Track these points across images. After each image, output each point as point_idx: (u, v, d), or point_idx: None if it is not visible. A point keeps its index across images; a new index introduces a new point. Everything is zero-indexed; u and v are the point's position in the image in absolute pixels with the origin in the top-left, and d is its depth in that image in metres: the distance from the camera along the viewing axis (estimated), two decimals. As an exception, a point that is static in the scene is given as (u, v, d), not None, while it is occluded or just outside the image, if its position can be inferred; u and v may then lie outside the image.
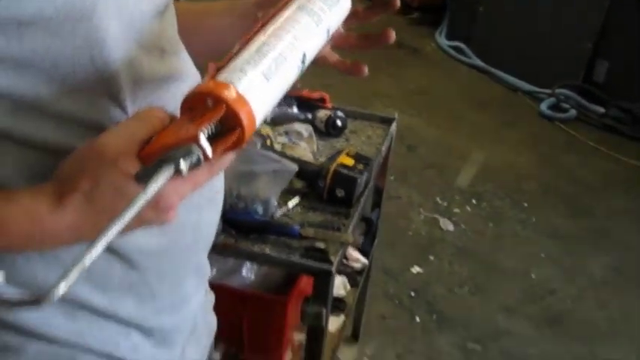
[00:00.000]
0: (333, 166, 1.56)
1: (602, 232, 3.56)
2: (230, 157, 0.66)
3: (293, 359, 1.72)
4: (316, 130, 1.89)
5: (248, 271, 1.70)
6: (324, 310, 1.35)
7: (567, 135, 4.54)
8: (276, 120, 1.88)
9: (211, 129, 0.61)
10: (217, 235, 1.39)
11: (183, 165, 0.59)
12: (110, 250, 0.73)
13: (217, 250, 1.38)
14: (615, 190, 3.98)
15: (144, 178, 0.59)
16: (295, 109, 1.98)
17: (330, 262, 1.33)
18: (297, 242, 1.40)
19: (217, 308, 1.24)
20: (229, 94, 0.61)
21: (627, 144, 4.47)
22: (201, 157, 0.60)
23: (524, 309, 2.95)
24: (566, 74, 4.80)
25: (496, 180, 3.92)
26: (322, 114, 1.92)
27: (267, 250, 1.38)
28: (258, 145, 1.62)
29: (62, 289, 0.55)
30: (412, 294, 2.95)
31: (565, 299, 3.05)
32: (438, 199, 3.67)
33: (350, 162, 1.59)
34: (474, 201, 3.69)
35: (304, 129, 1.84)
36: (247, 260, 1.58)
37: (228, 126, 0.62)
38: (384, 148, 1.86)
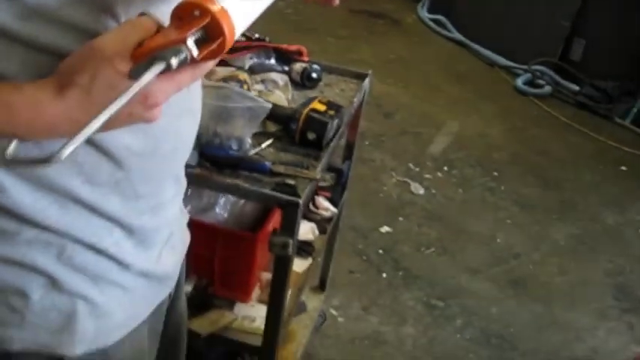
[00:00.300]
0: (305, 111, 1.64)
1: (568, 203, 3.68)
2: (210, 64, 0.74)
3: (261, 296, 1.80)
4: (292, 81, 1.96)
5: (221, 209, 1.77)
6: (291, 241, 1.43)
7: (541, 110, 4.64)
8: (253, 69, 1.95)
9: (197, 36, 0.69)
10: (193, 167, 1.47)
11: (173, 61, 0.67)
12: (100, 148, 0.81)
13: (193, 182, 1.46)
14: (583, 164, 4.10)
15: (136, 75, 0.67)
16: (273, 61, 2.04)
17: (298, 196, 1.41)
18: (268, 178, 1.47)
19: (191, 243, 1.32)
20: (214, 7, 0.70)
21: (599, 121, 4.59)
22: (188, 57, 0.68)
23: (488, 271, 3.06)
24: (543, 51, 4.89)
25: (468, 149, 4.02)
26: (298, 66, 1.99)
27: (240, 183, 1.45)
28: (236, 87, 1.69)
29: (69, 150, 0.63)
30: (380, 251, 3.04)
31: (528, 264, 3.16)
32: (410, 164, 3.76)
33: (322, 108, 1.67)
34: (445, 168, 3.79)
35: (280, 78, 1.90)
36: (220, 191, 1.65)
37: (212, 36, 0.70)
38: (355, 100, 1.93)
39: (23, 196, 0.80)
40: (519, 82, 4.85)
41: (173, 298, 1.15)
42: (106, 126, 0.66)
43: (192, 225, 1.29)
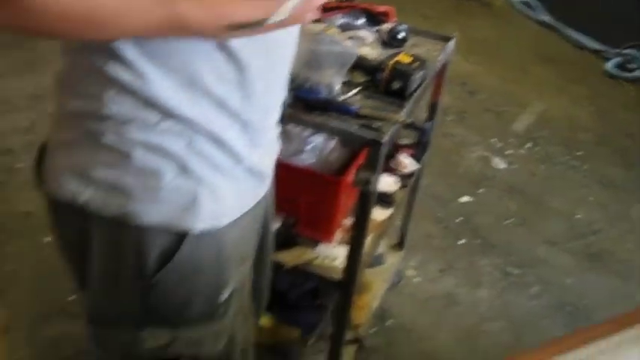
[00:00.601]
0: (391, 62, 1.73)
1: (651, 185, 3.65)
2: None
3: (342, 239, 1.91)
4: (380, 41, 2.06)
5: (308, 155, 1.88)
6: (373, 177, 1.53)
7: (629, 94, 4.59)
8: (343, 27, 2.05)
9: None
10: (286, 106, 1.59)
11: None
12: (230, 51, 0.97)
13: (285, 120, 1.58)
14: (671, 149, 4.04)
15: None
16: (361, 21, 2.14)
17: (383, 133, 1.51)
18: (354, 120, 1.58)
19: (279, 183, 1.44)
20: None
21: (690, 108, 4.51)
22: None
23: (566, 244, 3.08)
24: (636, 35, 4.81)
25: (553, 128, 4.02)
26: (386, 26, 2.08)
27: (328, 121, 1.57)
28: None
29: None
30: (459, 220, 3.11)
31: (607, 240, 3.17)
32: (492, 140, 3.80)
33: (407, 60, 1.76)
34: (528, 145, 3.81)
35: (369, 35, 2.01)
36: (311, 128, 1.76)
37: None
38: (440, 58, 2.02)
39: (166, 90, 0.95)
40: (610, 65, 4.80)
41: (267, 209, 1.30)
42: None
43: (281, 167, 1.42)
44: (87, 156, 1.01)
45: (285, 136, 1.91)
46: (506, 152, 3.71)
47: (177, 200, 1.02)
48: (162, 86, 0.95)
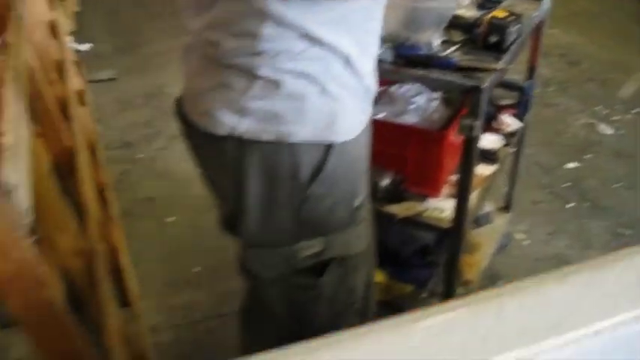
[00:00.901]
0: (487, 17, 1.80)
1: None
2: None
3: (449, 194, 1.97)
4: (475, 4, 2.12)
5: (411, 116, 1.97)
6: (475, 122, 1.60)
7: None
8: (439, -7, 2.12)
9: None
10: (390, 63, 1.68)
11: None
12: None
13: (389, 75, 1.68)
14: None
15: None
16: (457, -13, 2.21)
17: (483, 80, 1.58)
18: (455, 73, 1.65)
19: (387, 143, 1.54)
20: None
21: None
22: None
23: (679, 204, 3.03)
24: None
25: (660, 93, 3.93)
26: (481, -11, 2.14)
27: (430, 73, 1.65)
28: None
29: None
30: (566, 185, 3.11)
31: None
32: (597, 108, 3.76)
33: (503, 14, 1.82)
34: (636, 110, 3.74)
35: (465, -2, 2.07)
36: (414, 82, 1.85)
37: None
38: (535, 14, 2.06)
39: (314, 21, 1.11)
40: None
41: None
42: None
43: (388, 127, 1.51)
44: (242, 91, 1.15)
45: (389, 97, 2.01)
46: (613, 118, 3.66)
47: (320, 118, 1.17)
48: (312, 18, 1.09)
